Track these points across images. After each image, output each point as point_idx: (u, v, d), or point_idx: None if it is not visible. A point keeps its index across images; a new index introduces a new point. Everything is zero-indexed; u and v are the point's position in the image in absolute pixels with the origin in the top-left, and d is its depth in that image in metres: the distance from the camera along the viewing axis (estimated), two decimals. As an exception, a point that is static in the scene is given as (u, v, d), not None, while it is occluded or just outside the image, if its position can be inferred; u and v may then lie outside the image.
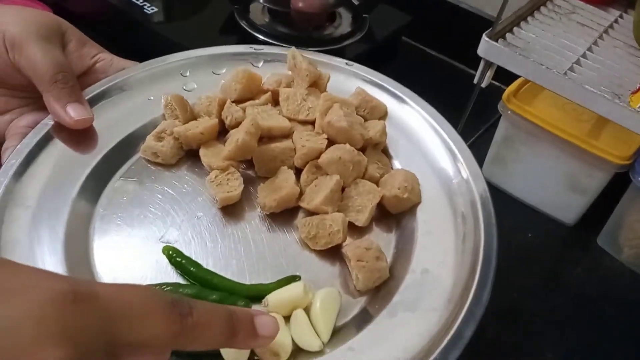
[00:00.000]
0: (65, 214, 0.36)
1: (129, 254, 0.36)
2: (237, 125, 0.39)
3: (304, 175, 0.39)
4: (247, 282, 0.35)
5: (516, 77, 0.72)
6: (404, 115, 0.44)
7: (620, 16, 0.71)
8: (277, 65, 0.47)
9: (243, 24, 0.80)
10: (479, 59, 0.65)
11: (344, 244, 0.37)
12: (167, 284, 0.34)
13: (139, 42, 0.86)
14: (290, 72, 0.44)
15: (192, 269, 0.35)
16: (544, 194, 0.74)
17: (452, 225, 0.38)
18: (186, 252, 0.36)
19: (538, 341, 0.62)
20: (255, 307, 0.34)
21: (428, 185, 0.40)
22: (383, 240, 0.37)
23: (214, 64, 0.47)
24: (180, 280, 0.35)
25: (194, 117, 0.42)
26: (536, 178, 0.74)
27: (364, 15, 0.84)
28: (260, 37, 0.78)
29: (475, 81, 0.68)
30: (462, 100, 0.73)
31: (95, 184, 0.39)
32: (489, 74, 0.67)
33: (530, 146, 0.71)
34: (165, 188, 0.40)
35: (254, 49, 0.48)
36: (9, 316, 0.21)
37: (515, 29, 0.66)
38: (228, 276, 0.35)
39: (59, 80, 0.41)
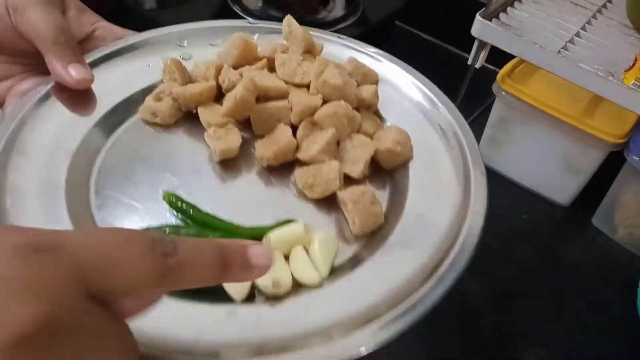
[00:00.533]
0: (64, 167, 0.37)
1: (129, 203, 0.37)
2: (234, 88, 0.40)
3: (300, 131, 0.40)
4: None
5: (510, 59, 0.72)
6: (396, 81, 0.46)
7: (613, -5, 0.71)
8: (272, 37, 0.48)
9: (236, 9, 0.79)
10: (473, 42, 0.65)
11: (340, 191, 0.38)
12: (169, 226, 0.34)
13: (131, 28, 0.86)
14: (285, 42, 0.45)
15: (192, 212, 0.35)
16: (538, 174, 0.74)
17: (444, 176, 0.39)
18: None
19: (534, 323, 0.62)
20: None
21: (420, 143, 0.42)
22: (377, 195, 0.38)
23: (211, 35, 0.48)
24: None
25: (192, 81, 0.44)
26: (531, 159, 0.73)
27: (357, -1, 0.84)
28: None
29: (469, 62, 0.68)
30: (457, 83, 0.73)
31: (94, 141, 0.40)
32: (483, 54, 0.66)
33: (524, 127, 0.71)
34: (164, 146, 0.41)
35: (250, 22, 0.50)
36: None
37: (509, 8, 0.66)
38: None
39: (60, 41, 0.41)
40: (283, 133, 0.39)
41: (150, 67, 0.45)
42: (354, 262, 0.34)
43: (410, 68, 0.47)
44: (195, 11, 0.83)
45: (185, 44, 0.47)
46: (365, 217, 0.35)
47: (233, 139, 0.39)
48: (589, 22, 0.66)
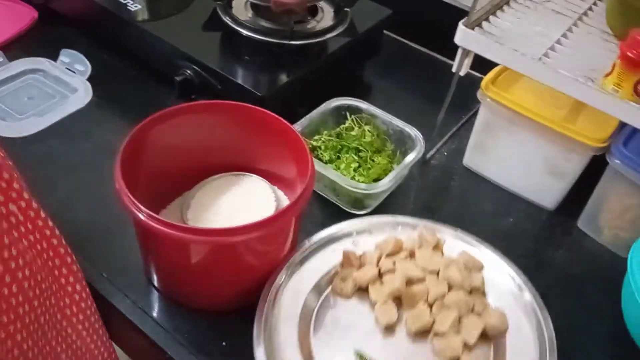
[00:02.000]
0: (296, 321, 0.56)
1: (335, 351, 0.56)
2: (388, 272, 0.60)
3: (434, 309, 0.58)
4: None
5: (495, 66, 0.74)
6: (493, 267, 0.62)
7: (594, 3, 0.73)
8: (412, 230, 0.65)
9: (227, 19, 0.81)
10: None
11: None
12: None
13: (124, 40, 0.87)
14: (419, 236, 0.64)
15: None
16: (524, 179, 0.76)
17: (529, 344, 0.57)
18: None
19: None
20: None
21: (512, 318, 0.58)
22: (484, 353, 0.57)
23: (371, 228, 0.66)
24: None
25: (362, 264, 0.61)
26: (516, 164, 0.75)
27: (345, 9, 0.86)
28: (244, 32, 0.79)
29: (453, 70, 0.69)
30: (445, 91, 0.75)
31: (310, 303, 0.59)
32: (467, 62, 0.68)
33: (509, 132, 0.73)
34: (347, 312, 0.59)
35: (396, 220, 0.67)
36: None
37: (491, 17, 0.68)
38: None
39: None
40: (424, 312, 0.57)
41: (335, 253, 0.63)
42: None
43: (502, 256, 0.63)
44: (186, 21, 0.85)
45: (355, 234, 0.65)
46: None
47: (392, 314, 0.57)
48: (570, 30, 0.68)
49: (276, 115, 0.60)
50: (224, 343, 0.58)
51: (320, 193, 0.74)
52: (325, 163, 0.74)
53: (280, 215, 0.54)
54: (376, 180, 0.72)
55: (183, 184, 0.67)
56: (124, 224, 0.60)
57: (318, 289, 0.60)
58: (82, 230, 0.66)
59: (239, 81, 0.74)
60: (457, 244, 0.63)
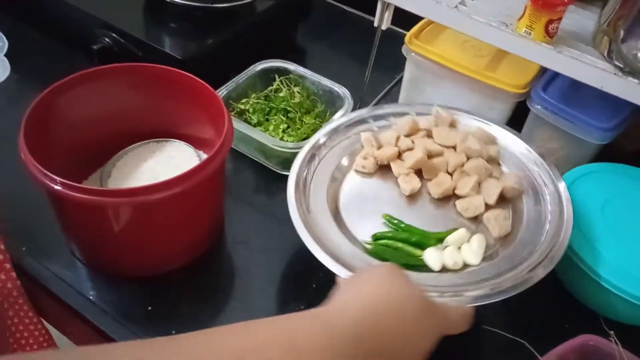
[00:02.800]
0: (325, 196, 0.60)
1: (363, 217, 0.59)
2: (407, 150, 0.64)
3: (455, 176, 0.62)
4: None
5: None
6: (504, 139, 0.65)
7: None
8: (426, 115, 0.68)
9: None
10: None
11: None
12: (391, 231, 0.58)
13: (43, 13, 0.84)
14: (435, 118, 0.67)
15: (402, 225, 0.58)
16: (453, 132, 0.76)
17: (545, 204, 0.60)
18: None
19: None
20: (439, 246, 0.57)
21: (527, 181, 0.62)
22: (504, 212, 0.59)
23: (388, 116, 0.68)
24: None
25: (381, 146, 0.64)
26: (444, 117, 0.75)
27: (271, -29, 0.84)
28: (169, -2, 0.77)
29: (375, 24, 0.69)
30: (378, 53, 0.74)
31: (337, 181, 0.63)
32: (387, 15, 0.68)
33: (435, 86, 0.73)
34: (372, 186, 0.63)
35: (409, 106, 0.70)
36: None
37: (409, -32, 0.67)
38: None
39: None
40: (445, 179, 0.61)
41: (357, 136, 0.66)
42: (494, 254, 0.57)
43: (509, 128, 0.66)
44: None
45: (372, 121, 0.68)
46: (501, 227, 0.58)
47: (415, 182, 0.61)
48: (487, -22, 0.68)
49: (188, 74, 0.59)
50: (149, 308, 0.57)
51: (251, 157, 0.73)
52: (254, 126, 0.73)
53: (200, 168, 0.53)
54: (305, 140, 0.71)
55: (104, 154, 0.65)
56: (45, 199, 0.58)
57: (341, 169, 0.63)
58: (1, 206, 0.63)
59: (158, 46, 0.72)
60: (470, 122, 0.66)
